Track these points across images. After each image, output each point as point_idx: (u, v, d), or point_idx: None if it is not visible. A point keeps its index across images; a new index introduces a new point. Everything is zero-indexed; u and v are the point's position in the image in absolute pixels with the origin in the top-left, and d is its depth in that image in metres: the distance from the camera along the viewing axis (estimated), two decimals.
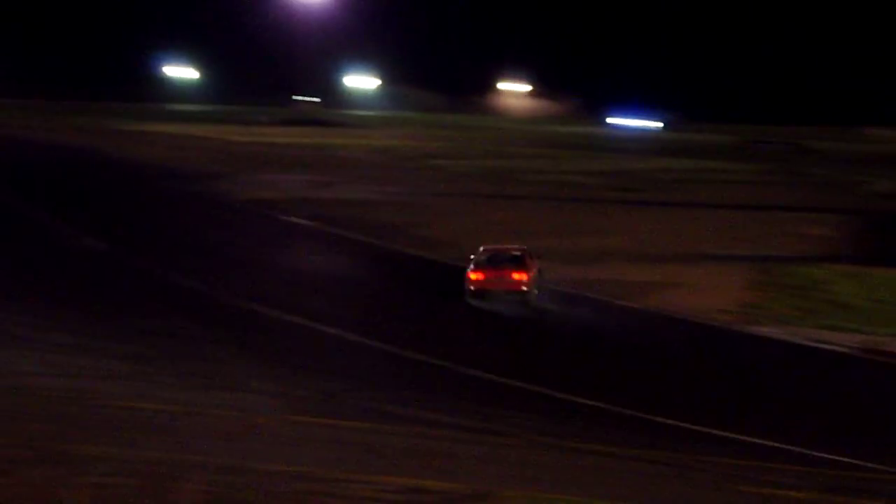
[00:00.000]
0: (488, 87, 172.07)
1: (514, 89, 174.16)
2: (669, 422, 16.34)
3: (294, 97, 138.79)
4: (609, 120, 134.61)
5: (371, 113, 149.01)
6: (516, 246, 25.51)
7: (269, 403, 14.98)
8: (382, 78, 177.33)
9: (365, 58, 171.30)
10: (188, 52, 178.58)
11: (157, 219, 37.01)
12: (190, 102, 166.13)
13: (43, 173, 50.70)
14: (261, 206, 40.09)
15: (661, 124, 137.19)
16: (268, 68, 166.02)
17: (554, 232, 34.61)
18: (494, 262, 24.19)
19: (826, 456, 14.69)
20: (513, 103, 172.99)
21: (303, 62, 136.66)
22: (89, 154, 61.29)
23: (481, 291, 23.54)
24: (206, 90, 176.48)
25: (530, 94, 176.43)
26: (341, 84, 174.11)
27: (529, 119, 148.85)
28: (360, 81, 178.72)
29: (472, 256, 24.68)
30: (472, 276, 23.66)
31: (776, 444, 15.18)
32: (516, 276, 23.47)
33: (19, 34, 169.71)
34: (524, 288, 23.47)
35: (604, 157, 71.86)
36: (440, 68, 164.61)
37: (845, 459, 14.55)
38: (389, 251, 31.43)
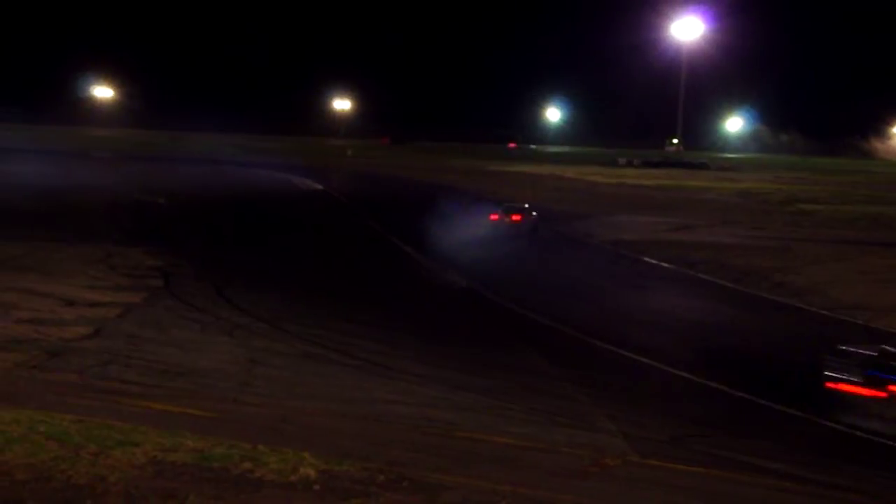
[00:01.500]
0: (864, 130, 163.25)
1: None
2: None
3: (671, 140, 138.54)
4: None
5: (737, 155, 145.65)
6: (520, 204, 47.12)
7: (617, 444, 14.81)
8: (751, 120, 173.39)
9: (736, 100, 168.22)
10: (554, 96, 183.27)
11: (517, 256, 38.04)
12: (556, 144, 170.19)
13: (414, 210, 53.59)
14: (621, 247, 40.19)
15: None
16: (633, 111, 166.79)
17: None
18: (505, 210, 45.13)
19: None
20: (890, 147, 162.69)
21: (672, 105, 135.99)
22: (457, 194, 63.98)
23: (495, 223, 43.56)
24: (571, 132, 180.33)
25: None
26: (715, 127, 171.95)
27: None
28: (729, 124, 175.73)
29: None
30: (492, 216, 44.70)
31: None
32: (515, 217, 44.47)
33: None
34: (518, 222, 44.22)
35: None
36: (814, 111, 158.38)
37: None
38: (748, 296, 30.42)
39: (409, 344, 21.42)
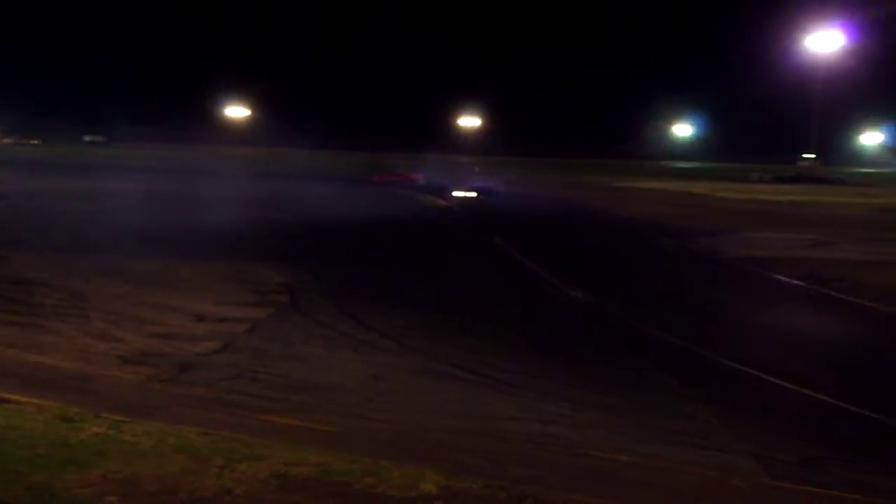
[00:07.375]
0: None
1: None
2: None
3: (803, 155, 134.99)
4: None
5: (875, 171, 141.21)
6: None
7: (745, 465, 14.47)
8: (890, 135, 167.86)
9: (874, 114, 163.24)
10: (684, 111, 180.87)
11: (645, 273, 37.59)
12: (685, 160, 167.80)
13: (540, 228, 53.66)
14: (751, 264, 39.30)
15: None
16: (765, 126, 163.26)
17: None
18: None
19: None
20: None
21: (806, 119, 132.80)
22: (583, 210, 63.69)
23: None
24: (701, 147, 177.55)
25: None
26: (848, 142, 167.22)
27: None
28: (866, 138, 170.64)
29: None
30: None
31: None
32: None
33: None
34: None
35: None
36: None
37: None
38: (886, 315, 29.31)
39: (533, 361, 21.28)
